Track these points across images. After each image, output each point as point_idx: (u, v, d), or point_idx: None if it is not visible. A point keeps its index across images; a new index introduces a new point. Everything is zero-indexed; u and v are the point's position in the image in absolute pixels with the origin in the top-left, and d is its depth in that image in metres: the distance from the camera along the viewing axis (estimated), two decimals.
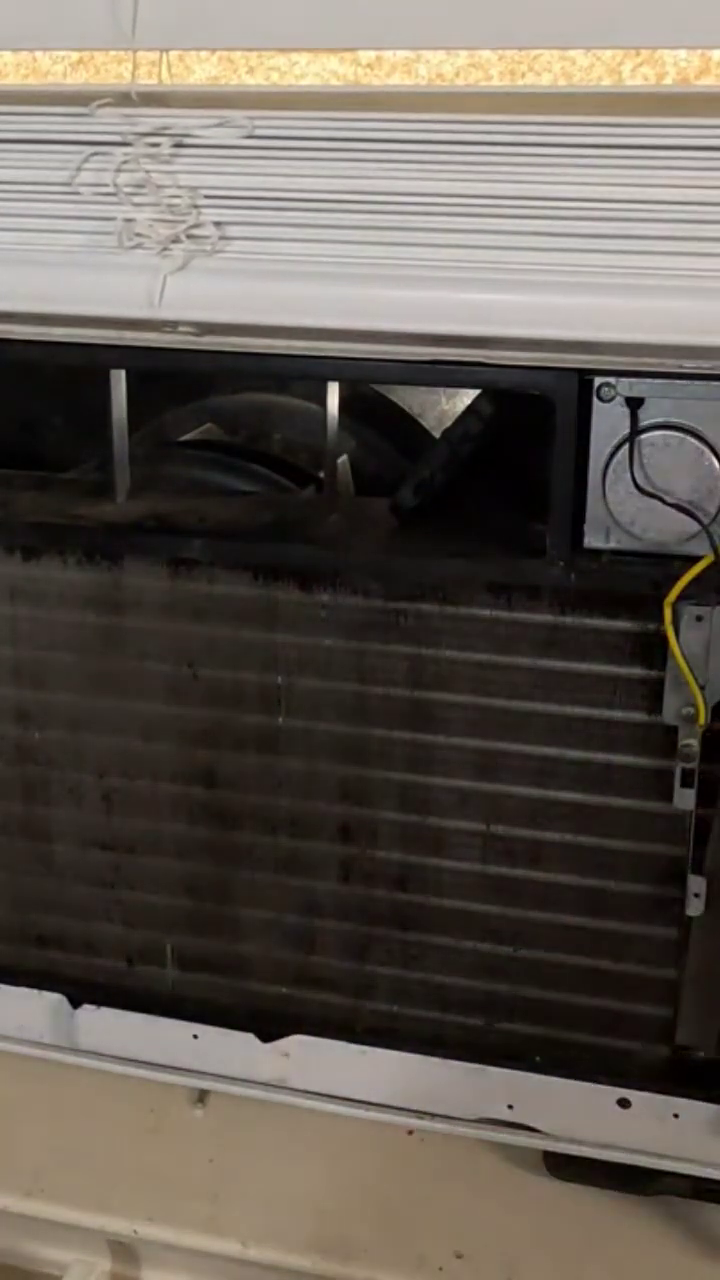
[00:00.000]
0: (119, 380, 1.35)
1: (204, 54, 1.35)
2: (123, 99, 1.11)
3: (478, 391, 1.31)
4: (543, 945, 1.34)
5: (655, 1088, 1.35)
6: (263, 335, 1.17)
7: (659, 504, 1.17)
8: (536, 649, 1.26)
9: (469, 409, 1.32)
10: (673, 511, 1.17)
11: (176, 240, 1.12)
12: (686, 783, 1.23)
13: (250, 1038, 1.46)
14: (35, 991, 1.53)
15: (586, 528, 1.21)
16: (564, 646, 1.25)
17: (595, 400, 1.17)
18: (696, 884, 1.27)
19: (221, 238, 1.12)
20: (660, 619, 1.19)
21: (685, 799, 1.24)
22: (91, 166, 1.13)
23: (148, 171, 1.11)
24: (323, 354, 1.19)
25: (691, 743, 1.22)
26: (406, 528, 1.34)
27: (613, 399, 1.16)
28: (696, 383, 1.14)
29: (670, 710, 1.22)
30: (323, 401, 1.39)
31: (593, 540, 1.21)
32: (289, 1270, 1.37)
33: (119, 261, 1.14)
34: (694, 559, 1.17)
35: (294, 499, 1.57)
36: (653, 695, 1.23)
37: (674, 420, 1.16)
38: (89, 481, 1.53)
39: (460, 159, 1.06)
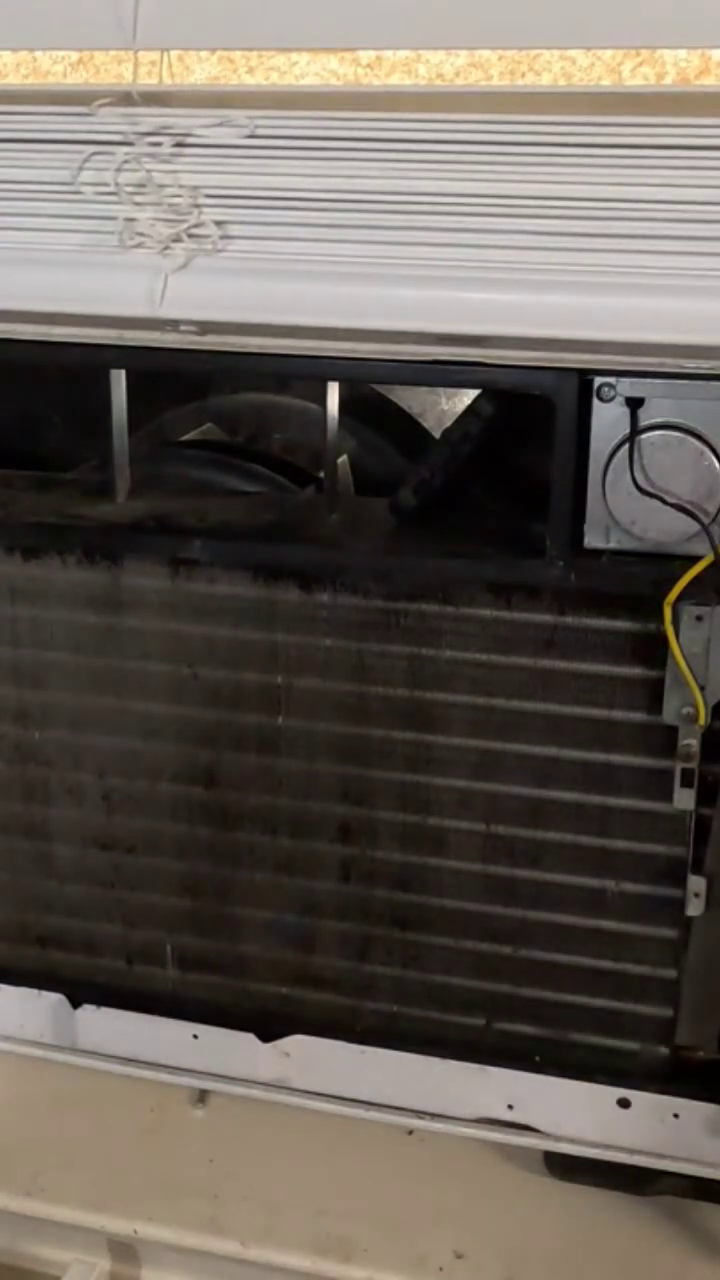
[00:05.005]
0: (119, 380, 1.35)
1: (204, 54, 1.35)
2: (124, 99, 1.11)
3: (478, 391, 1.31)
4: (543, 945, 1.34)
5: (655, 1088, 1.35)
6: (264, 334, 1.17)
7: (659, 504, 1.17)
8: (536, 649, 1.26)
9: (469, 409, 1.32)
10: (673, 511, 1.17)
11: (178, 239, 1.12)
12: (686, 783, 1.23)
13: (250, 1038, 1.46)
14: (35, 991, 1.53)
15: (586, 528, 1.21)
16: (564, 646, 1.25)
17: (595, 400, 1.17)
18: (696, 884, 1.27)
19: (223, 237, 1.12)
20: (660, 619, 1.19)
21: (685, 799, 1.24)
22: (93, 166, 1.13)
23: (149, 171, 1.11)
24: (323, 354, 1.19)
25: (691, 743, 1.22)
26: (406, 528, 1.35)
27: (613, 399, 1.16)
28: (696, 383, 1.14)
29: (670, 710, 1.22)
30: (323, 401, 1.39)
31: (593, 540, 1.21)
32: (289, 1270, 1.37)
33: (120, 261, 1.14)
34: (694, 559, 1.17)
35: (294, 499, 1.57)
36: (653, 695, 1.23)
37: (674, 420, 1.16)
38: (89, 481, 1.53)
39: (461, 158, 1.06)
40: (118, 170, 1.12)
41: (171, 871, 1.45)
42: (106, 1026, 1.51)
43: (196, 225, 1.11)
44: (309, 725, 1.35)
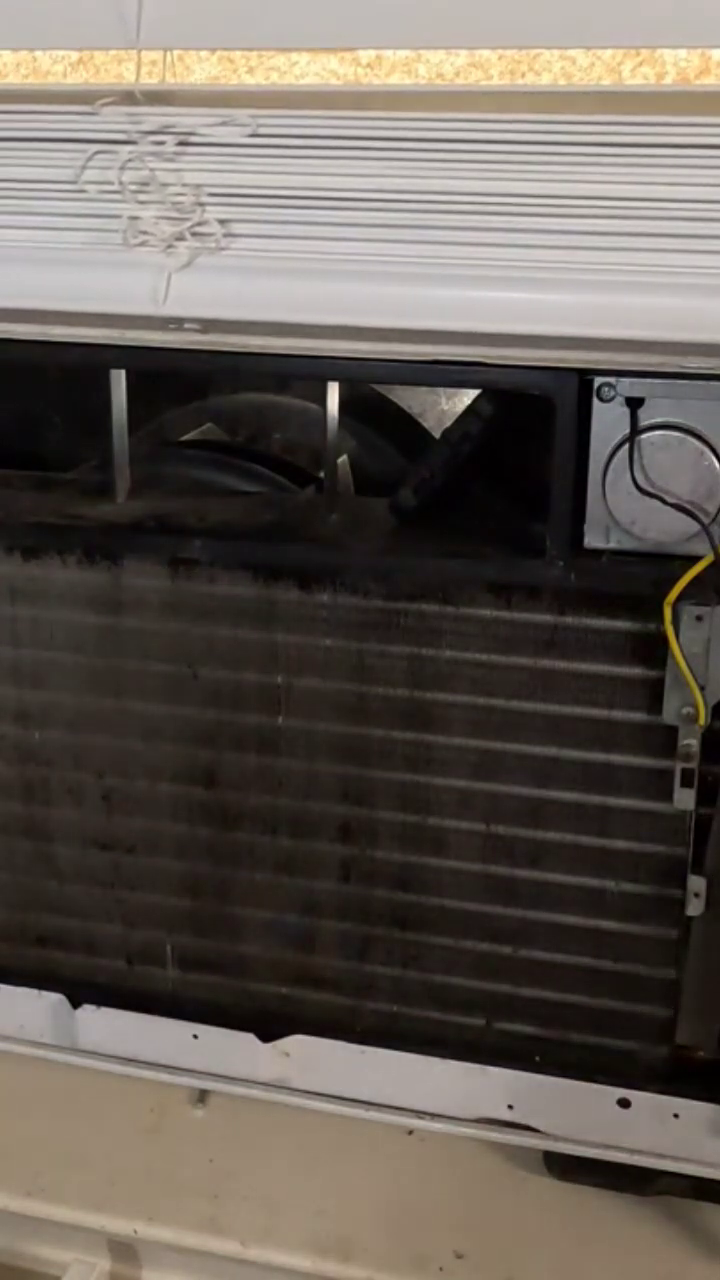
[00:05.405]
0: (119, 380, 1.35)
1: (204, 54, 1.36)
2: (127, 98, 1.12)
3: (478, 391, 1.31)
4: (543, 945, 1.34)
5: (655, 1088, 1.35)
6: (266, 333, 1.17)
7: (659, 504, 1.17)
8: (536, 649, 1.26)
9: (469, 409, 1.32)
10: (673, 511, 1.17)
11: (181, 238, 1.12)
12: (686, 783, 1.23)
13: (250, 1038, 1.46)
14: (35, 991, 1.53)
15: (586, 528, 1.21)
16: (564, 646, 1.25)
17: (595, 400, 1.17)
18: (696, 884, 1.27)
19: (226, 235, 1.12)
20: (660, 619, 1.19)
21: (685, 799, 1.24)
22: (96, 164, 1.13)
23: (152, 169, 1.11)
24: (323, 354, 1.19)
25: (691, 743, 1.22)
26: (406, 528, 1.35)
27: (613, 399, 1.16)
28: (696, 383, 1.14)
29: (670, 710, 1.22)
30: (323, 401, 1.39)
31: (593, 540, 1.21)
32: (289, 1270, 1.37)
33: (124, 259, 1.14)
34: (694, 559, 1.17)
35: (294, 499, 1.57)
36: (653, 695, 1.23)
37: (674, 420, 1.16)
38: (89, 481, 1.52)
39: (462, 157, 1.07)
40: (121, 169, 1.12)
41: (171, 871, 1.45)
42: (106, 1026, 1.51)
43: (200, 223, 1.12)
44: (309, 725, 1.35)
